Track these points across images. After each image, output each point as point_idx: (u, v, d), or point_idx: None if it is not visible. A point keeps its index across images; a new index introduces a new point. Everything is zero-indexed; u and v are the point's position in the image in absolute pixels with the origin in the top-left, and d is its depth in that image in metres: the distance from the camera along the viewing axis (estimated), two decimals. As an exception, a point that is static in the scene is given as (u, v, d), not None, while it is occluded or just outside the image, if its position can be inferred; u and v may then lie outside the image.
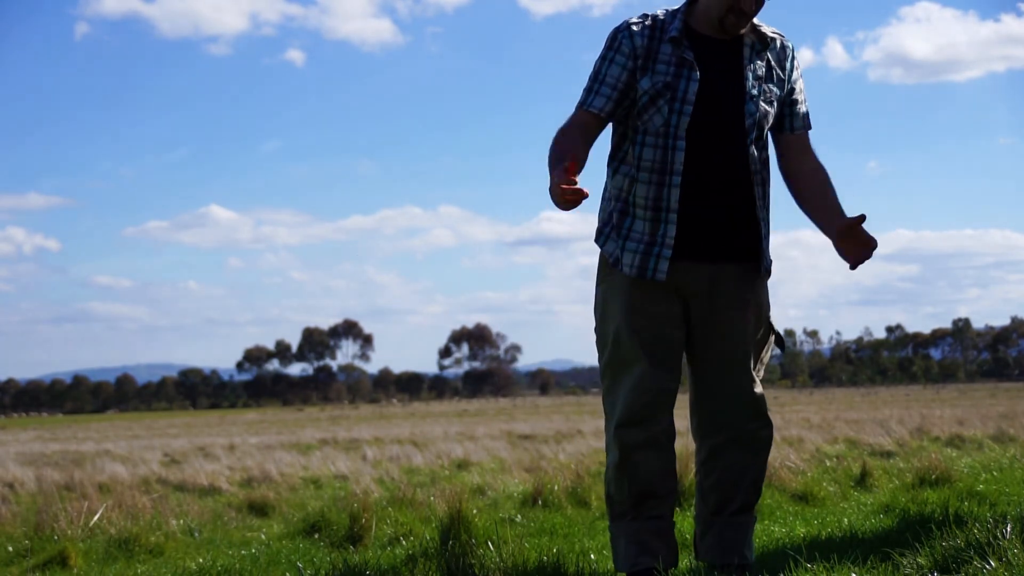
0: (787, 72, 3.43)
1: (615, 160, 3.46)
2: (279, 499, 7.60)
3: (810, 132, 3.50)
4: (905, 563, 3.36)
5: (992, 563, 3.11)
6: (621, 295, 3.38)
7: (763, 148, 3.42)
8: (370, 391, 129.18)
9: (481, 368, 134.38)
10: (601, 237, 3.45)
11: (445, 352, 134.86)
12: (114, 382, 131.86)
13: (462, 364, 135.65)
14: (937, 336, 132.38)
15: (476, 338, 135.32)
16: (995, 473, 7.14)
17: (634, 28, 3.33)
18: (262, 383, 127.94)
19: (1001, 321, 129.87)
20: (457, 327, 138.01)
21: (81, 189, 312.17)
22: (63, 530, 5.75)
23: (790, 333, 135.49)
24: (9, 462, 14.09)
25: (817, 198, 3.44)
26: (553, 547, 4.11)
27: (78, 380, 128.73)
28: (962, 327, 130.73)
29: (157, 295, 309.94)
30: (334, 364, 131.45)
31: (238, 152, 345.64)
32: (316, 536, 5.52)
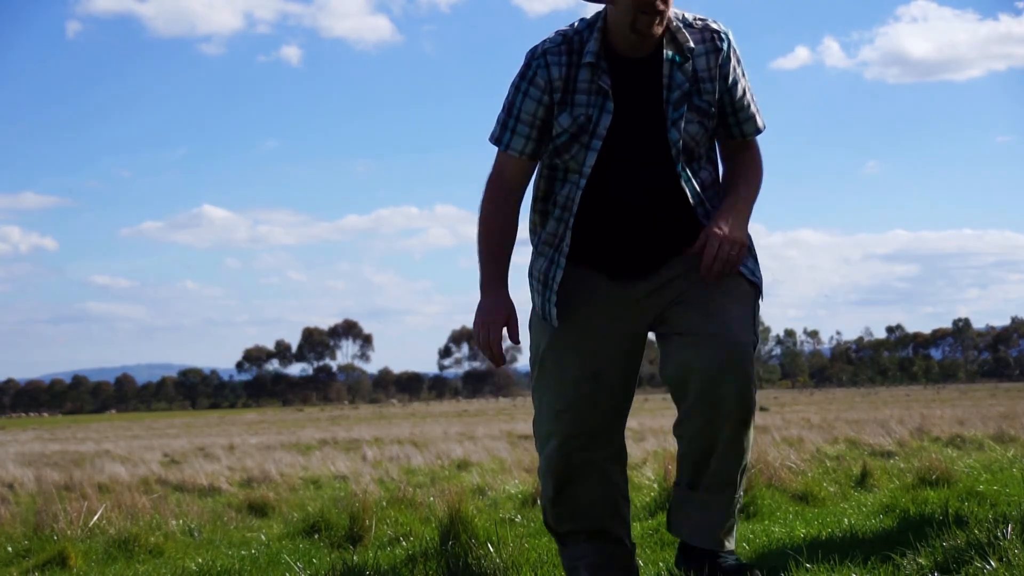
0: (722, 74, 3.03)
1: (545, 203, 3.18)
2: (279, 499, 7.61)
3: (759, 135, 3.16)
4: (905, 563, 3.36)
5: (993, 563, 3.11)
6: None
7: (702, 169, 3.09)
8: (370, 391, 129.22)
9: (481, 368, 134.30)
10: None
11: (445, 352, 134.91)
12: (113, 382, 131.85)
13: (462, 364, 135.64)
14: (937, 336, 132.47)
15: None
16: (996, 473, 7.14)
17: (550, 57, 2.98)
18: (262, 383, 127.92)
19: (1001, 321, 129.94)
20: (457, 327, 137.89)
21: (77, 188, 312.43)
22: (62, 530, 5.74)
23: (791, 333, 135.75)
24: (9, 462, 14.10)
25: (725, 187, 3.15)
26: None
27: (77, 380, 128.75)
28: (962, 327, 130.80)
29: (155, 295, 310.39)
30: (334, 364, 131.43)
31: (233, 151, 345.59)
32: (316, 536, 5.51)
